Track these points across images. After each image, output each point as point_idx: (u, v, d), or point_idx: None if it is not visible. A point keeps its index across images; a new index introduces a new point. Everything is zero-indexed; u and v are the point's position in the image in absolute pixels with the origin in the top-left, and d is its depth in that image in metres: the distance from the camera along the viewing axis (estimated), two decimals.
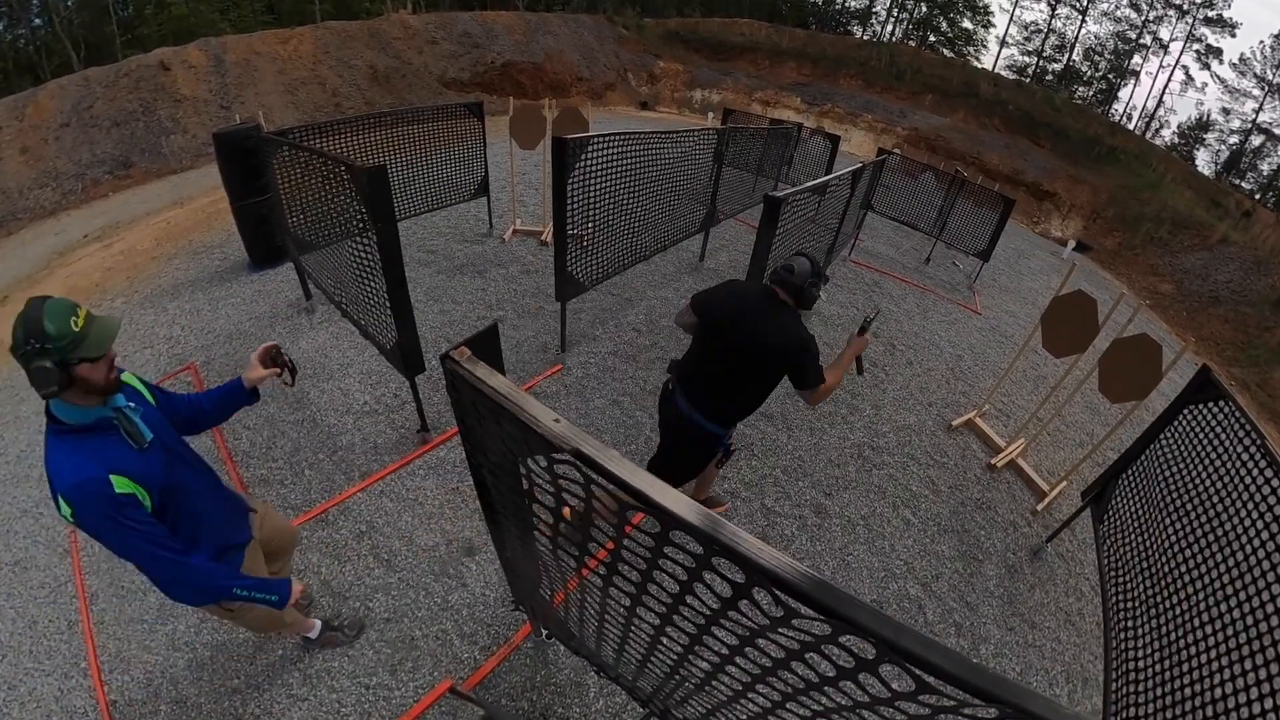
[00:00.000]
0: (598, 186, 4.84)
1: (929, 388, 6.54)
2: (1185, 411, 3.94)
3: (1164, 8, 31.67)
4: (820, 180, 3.96)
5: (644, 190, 5.51)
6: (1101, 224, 23.82)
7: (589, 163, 4.62)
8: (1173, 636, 3.19)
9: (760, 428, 5.16)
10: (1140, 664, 3.32)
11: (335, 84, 12.70)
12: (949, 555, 4.53)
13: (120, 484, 1.90)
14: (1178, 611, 3.24)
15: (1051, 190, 24.84)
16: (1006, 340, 9.01)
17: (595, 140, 4.61)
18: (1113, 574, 3.76)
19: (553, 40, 21.84)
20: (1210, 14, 30.75)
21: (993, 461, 5.55)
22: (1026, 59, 34.87)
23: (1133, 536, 3.76)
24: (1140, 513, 3.83)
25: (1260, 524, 3.19)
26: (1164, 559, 3.45)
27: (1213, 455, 3.56)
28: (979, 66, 32.34)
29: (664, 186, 5.92)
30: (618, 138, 4.93)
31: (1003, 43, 39.33)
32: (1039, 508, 5.19)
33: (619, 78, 25.63)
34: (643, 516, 1.56)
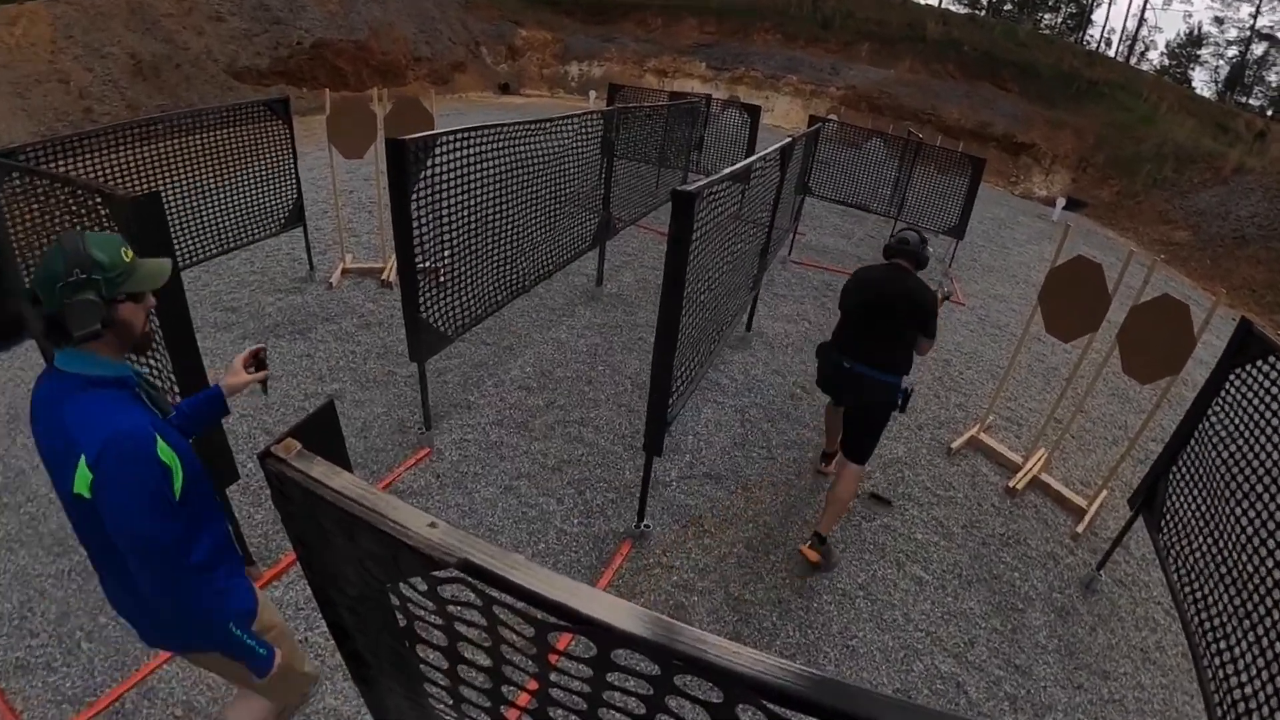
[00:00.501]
0: (452, 201, 4.88)
1: (915, 407, 7.11)
2: (1232, 377, 4.30)
3: None
4: (741, 164, 4.36)
5: (515, 201, 5.75)
6: (1093, 173, 26.49)
7: (438, 170, 4.65)
8: None
9: (709, 494, 5.44)
10: (1249, 689, 3.58)
11: (84, 81, 11.77)
12: (980, 612, 4.88)
13: (162, 450, 2.05)
14: None
15: (1028, 141, 27.54)
16: (1001, 332, 9.99)
17: (444, 139, 4.64)
18: (1188, 589, 3.99)
19: (379, 10, 21.34)
20: None
21: (1011, 484, 6.09)
22: None
23: (1202, 539, 4.02)
24: (1205, 508, 4.12)
25: None
26: (1246, 557, 3.65)
27: (1277, 421, 3.79)
28: (923, 2, 35.55)
29: (540, 194, 6.22)
30: (474, 134, 4.88)
31: None
32: (1080, 529, 5.72)
33: (470, 54, 26.28)
34: (570, 639, 1.43)
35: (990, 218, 19.30)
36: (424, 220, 4.68)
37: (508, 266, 5.88)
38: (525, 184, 5.93)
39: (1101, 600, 5.13)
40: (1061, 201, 21.88)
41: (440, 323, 5.13)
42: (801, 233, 12.75)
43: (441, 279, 5.14)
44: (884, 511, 5.57)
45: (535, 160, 5.97)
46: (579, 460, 5.48)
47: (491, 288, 5.70)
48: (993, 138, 26.29)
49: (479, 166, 5.12)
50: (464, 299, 5.34)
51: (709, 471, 5.62)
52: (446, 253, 5.05)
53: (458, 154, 4.86)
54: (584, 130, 6.85)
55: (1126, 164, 23.63)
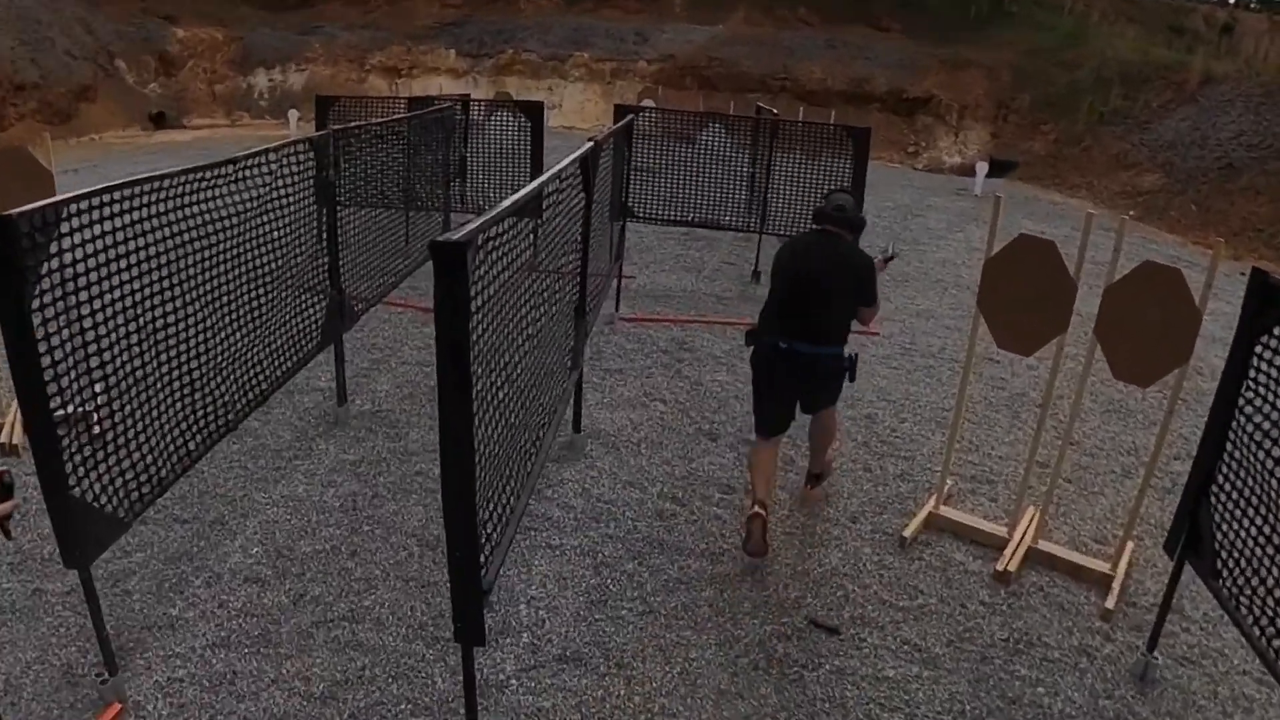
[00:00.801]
0: (100, 304, 4.81)
1: (841, 491, 7.44)
2: (1258, 350, 4.62)
3: None
4: (525, 191, 4.51)
5: (195, 292, 5.66)
6: (1017, 121, 28.74)
7: (71, 259, 4.67)
8: None
9: (569, 685, 5.40)
10: None
11: None
12: None
13: None
14: None
15: (922, 95, 29.67)
16: (936, 361, 10.84)
17: (78, 208, 4.61)
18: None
19: None
20: None
21: (1000, 566, 6.46)
22: None
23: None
24: (1275, 525, 4.41)
25: None
26: None
27: None
28: None
29: (231, 276, 6.16)
30: (121, 195, 4.99)
31: None
32: (1110, 604, 6.12)
33: (101, 73, 25.19)
34: None
35: (891, 207, 20.69)
36: (58, 341, 4.51)
37: (198, 394, 5.74)
38: (206, 264, 5.85)
39: (1167, 692, 5.44)
40: (983, 167, 23.68)
41: (106, 499, 4.89)
42: (630, 275, 13.19)
43: (98, 430, 4.94)
44: (829, 647, 5.73)
45: (217, 229, 5.92)
46: (360, 678, 5.32)
47: (179, 431, 5.53)
48: (874, 97, 28.15)
49: (134, 248, 5.01)
50: (139, 456, 5.15)
51: (562, 653, 5.58)
52: (100, 387, 4.87)
53: (99, 233, 4.72)
54: (287, 171, 6.85)
55: (1060, 101, 25.75)
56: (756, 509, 6.38)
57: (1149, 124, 22.43)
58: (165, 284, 5.38)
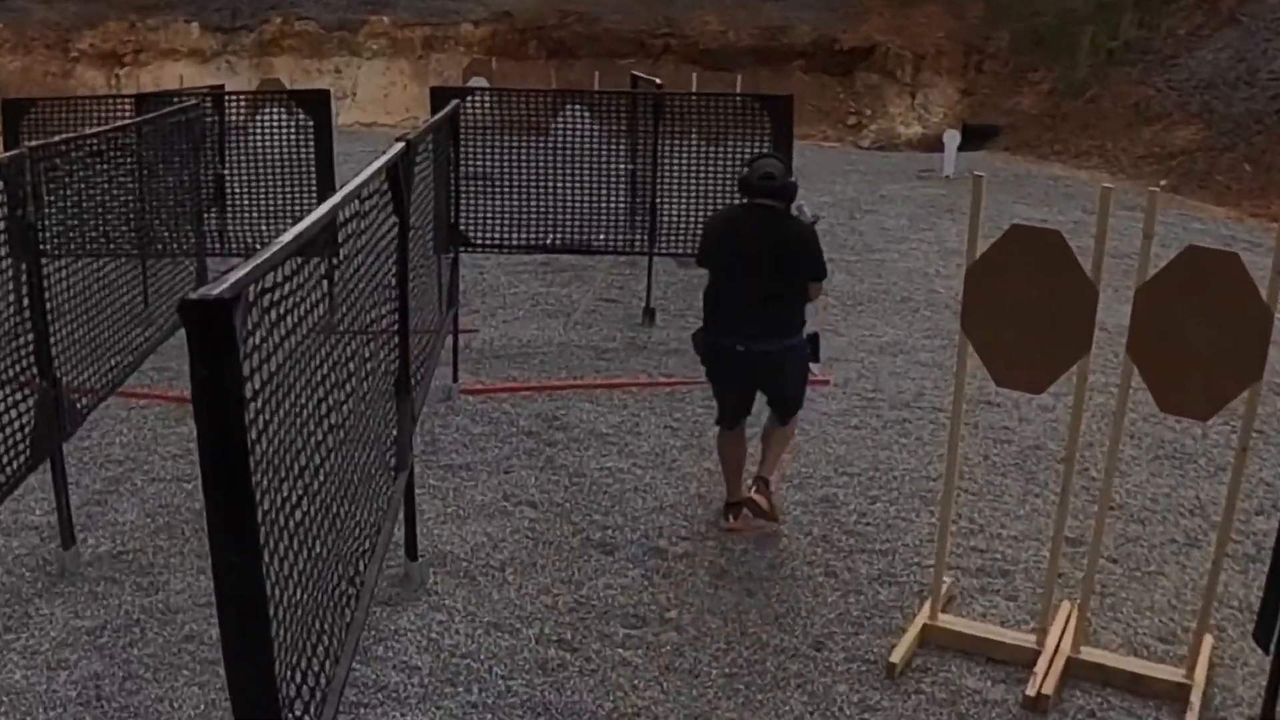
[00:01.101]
0: None
1: (797, 608, 7.43)
2: None
3: None
4: (313, 218, 4.44)
5: None
6: (995, 71, 29.20)
7: None
8: None
9: None
10: None
11: None
12: None
13: None
14: None
15: (862, 44, 30.10)
16: (912, 411, 11.01)
17: None
18: None
19: None
20: None
21: (1033, 690, 6.45)
22: None
23: None
24: None
25: None
26: None
27: None
28: None
29: None
30: None
31: None
32: (1191, 718, 6.18)
33: None
34: None
35: (829, 201, 20.91)
36: None
37: None
38: None
39: None
40: (953, 138, 23.94)
41: None
42: (470, 330, 13.14)
43: None
44: None
45: None
46: None
47: None
48: (795, 52, 28.47)
49: None
50: None
51: None
52: None
53: None
54: None
55: (1052, 37, 26.20)
56: (738, 524, 8.47)
57: (1176, 59, 22.92)
58: None
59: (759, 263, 7.77)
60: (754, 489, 8.44)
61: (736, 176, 12.48)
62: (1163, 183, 19.64)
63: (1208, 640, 6.68)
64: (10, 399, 7.31)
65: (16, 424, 7.34)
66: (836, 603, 7.51)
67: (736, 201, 8.70)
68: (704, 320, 8.48)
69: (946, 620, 7.09)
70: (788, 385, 8.50)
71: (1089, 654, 6.70)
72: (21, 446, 7.35)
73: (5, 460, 7.15)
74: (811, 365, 8.77)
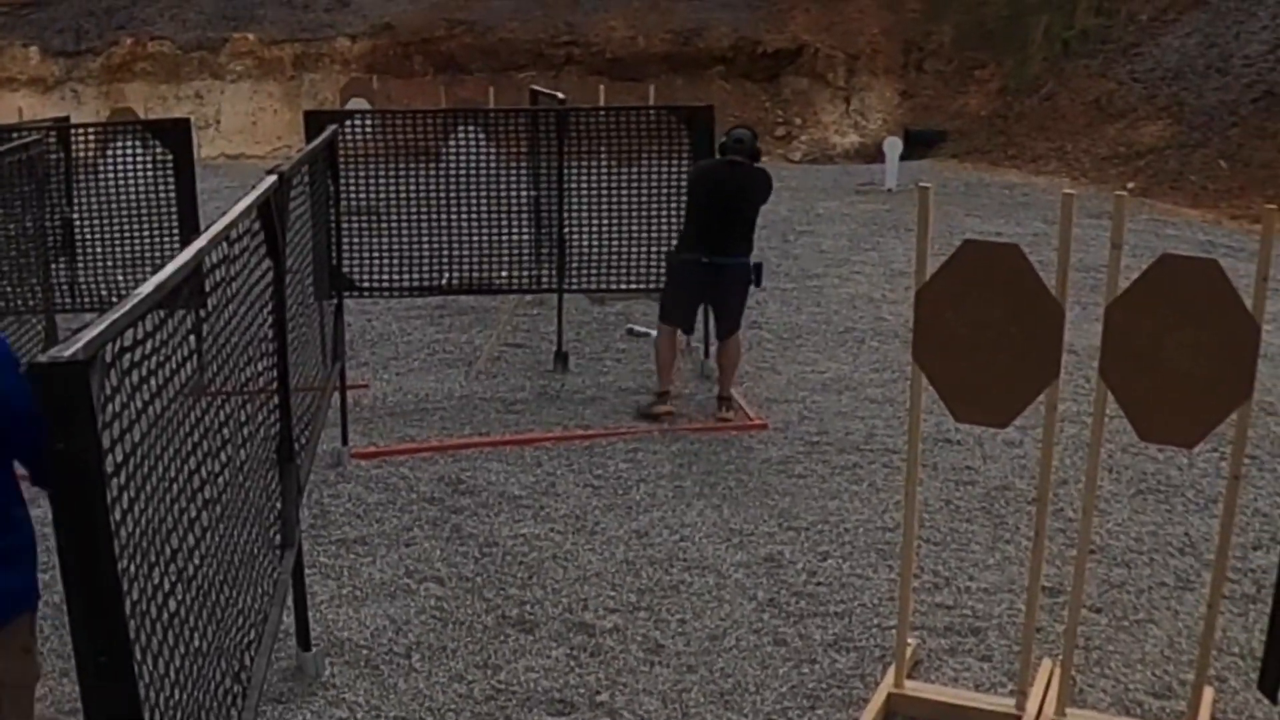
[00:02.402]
0: None
1: (745, 684, 7.42)
2: None
3: None
4: (176, 264, 4.42)
5: None
6: (937, 70, 29.39)
7: None
8: None
9: None
10: None
11: None
12: None
13: None
14: None
15: (788, 45, 30.27)
16: (862, 454, 11.01)
17: None
18: None
19: None
20: None
21: None
22: None
23: None
24: None
25: None
26: None
27: None
28: None
29: None
30: None
31: None
32: None
33: None
34: None
35: (760, 225, 20.84)
36: None
37: None
38: None
39: None
40: (894, 145, 24.15)
41: None
42: (359, 385, 13.07)
43: None
44: None
45: None
46: None
47: None
48: (714, 57, 28.63)
49: None
50: None
51: None
52: None
53: None
54: None
55: (1000, 30, 26.50)
56: (670, 407, 12.09)
57: (1139, 48, 23.19)
58: None
59: (735, 200, 11.91)
60: (721, 409, 12.09)
61: (644, 195, 12.95)
62: (1130, 185, 19.85)
63: (1208, 693, 6.70)
64: None
65: None
66: (788, 674, 7.48)
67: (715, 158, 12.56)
68: (678, 243, 12.60)
69: (914, 687, 7.08)
70: (732, 297, 12.15)
71: (1075, 716, 6.71)
72: None
73: None
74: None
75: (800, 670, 7.52)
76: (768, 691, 7.30)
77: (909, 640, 7.28)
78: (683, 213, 13.17)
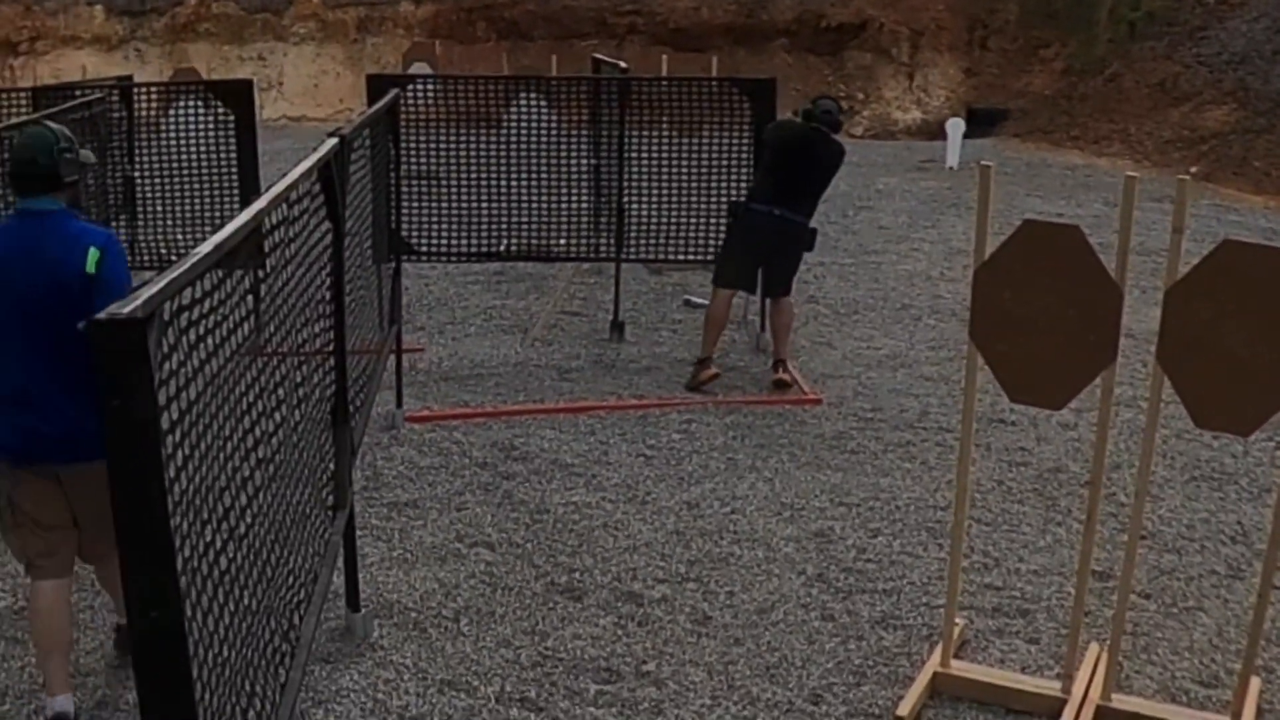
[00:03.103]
0: None
1: (791, 657, 7.41)
2: None
3: None
4: (236, 224, 4.42)
5: None
6: (1002, 48, 28.99)
7: None
8: None
9: None
10: None
11: None
12: None
13: None
14: None
15: (852, 20, 29.89)
16: (915, 432, 11.02)
17: None
18: None
19: None
20: None
21: None
22: None
23: None
24: None
25: None
26: None
27: None
28: None
29: None
30: None
31: None
32: None
33: None
34: None
35: (820, 200, 20.75)
36: None
37: None
38: None
39: None
40: (957, 125, 23.82)
41: None
42: (415, 348, 13.11)
43: None
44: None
45: None
46: None
47: None
48: (777, 30, 28.37)
49: None
50: None
51: None
52: None
53: None
54: None
55: (1066, 10, 26.08)
56: (715, 370, 12.30)
57: (1205, 31, 22.88)
58: None
59: (812, 160, 12.28)
60: (778, 371, 12.30)
61: (704, 166, 12.86)
62: (1193, 169, 19.68)
63: (1255, 683, 6.65)
64: None
65: None
66: (835, 650, 7.48)
67: (797, 120, 12.77)
68: (748, 195, 12.73)
69: (960, 667, 7.06)
70: (789, 256, 12.49)
71: (1121, 701, 6.68)
72: None
73: None
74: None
75: (847, 646, 7.51)
76: (813, 666, 7.30)
77: (956, 620, 7.25)
78: (743, 185, 13.15)
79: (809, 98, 13.27)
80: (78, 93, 12.73)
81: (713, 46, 26.77)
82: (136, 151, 13.03)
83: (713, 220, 13.24)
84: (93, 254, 6.49)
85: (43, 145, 6.72)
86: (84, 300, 6.29)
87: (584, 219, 13.60)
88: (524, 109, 13.79)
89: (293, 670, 5.41)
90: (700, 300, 14.56)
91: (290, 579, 5.63)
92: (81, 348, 4.07)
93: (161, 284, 3.52)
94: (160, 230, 12.95)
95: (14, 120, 11.52)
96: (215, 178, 12.80)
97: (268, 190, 5.13)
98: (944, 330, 13.74)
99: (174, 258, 7.82)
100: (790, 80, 26.00)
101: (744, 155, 12.96)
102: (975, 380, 6.62)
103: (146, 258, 12.67)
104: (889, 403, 11.55)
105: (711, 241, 13.26)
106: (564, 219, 13.48)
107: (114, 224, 12.00)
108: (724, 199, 13.17)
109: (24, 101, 13.66)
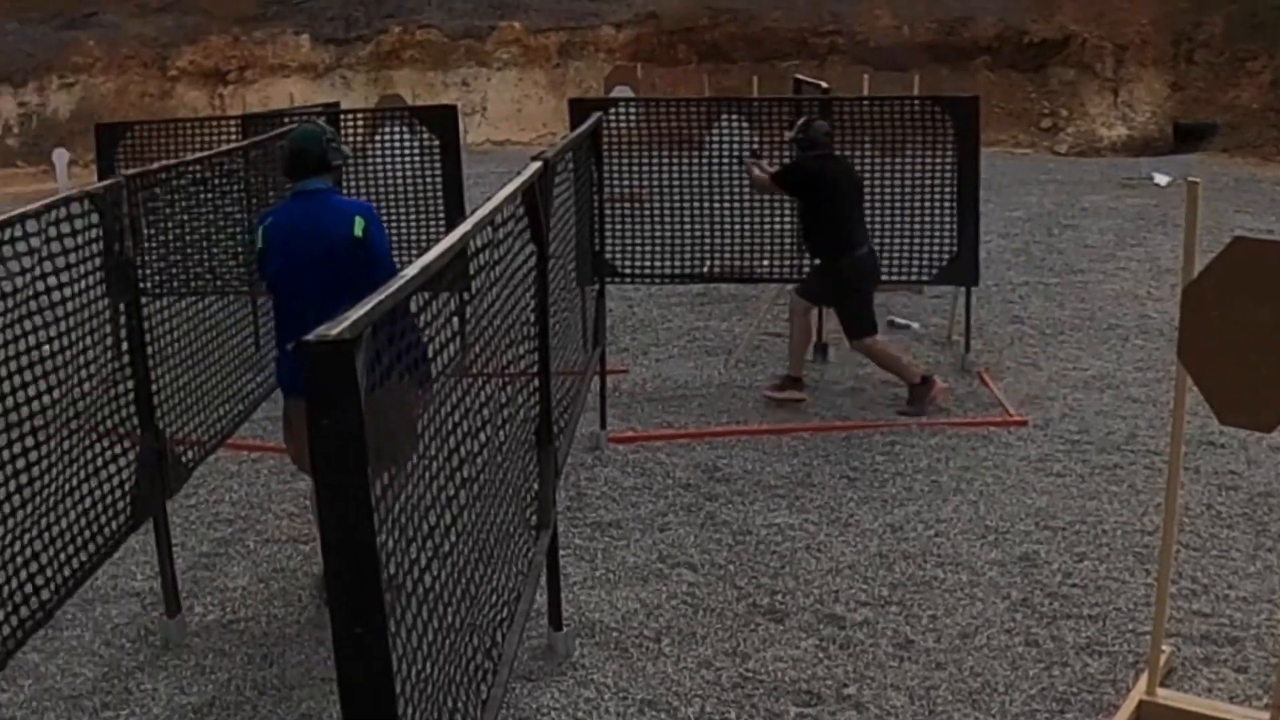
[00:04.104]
0: None
1: (994, 683, 7.32)
2: None
3: None
4: (442, 247, 4.47)
5: None
6: (1208, 61, 28.62)
7: None
8: None
9: None
10: None
11: None
12: None
13: None
14: None
15: (1055, 35, 29.58)
16: (1123, 455, 10.80)
17: None
18: None
19: None
20: None
21: None
22: None
23: None
24: None
25: None
26: None
27: None
28: None
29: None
30: None
31: None
32: None
33: None
34: None
35: (1021, 217, 20.58)
36: None
37: None
38: None
39: None
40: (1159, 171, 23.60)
41: None
42: (619, 370, 13.32)
43: None
44: None
45: None
46: None
47: None
48: (979, 47, 28.15)
49: None
50: None
51: None
52: None
53: None
54: (55, 248, 6.86)
55: (1272, 22, 25.48)
56: (804, 395, 12.32)
57: None
58: None
59: (852, 188, 12.15)
60: (783, 390, 12.40)
61: (908, 187, 12.74)
62: None
63: None
64: (109, 453, 7.44)
65: (115, 480, 7.46)
66: (1039, 676, 7.38)
67: (803, 153, 12.32)
68: (831, 248, 12.13)
69: (1166, 696, 6.91)
70: (866, 289, 12.30)
71: None
72: (121, 505, 7.48)
73: (104, 520, 7.27)
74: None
75: (1051, 672, 7.40)
76: (1016, 693, 7.20)
77: (1164, 647, 7.11)
78: (947, 206, 13.02)
79: (798, 126, 12.58)
80: (286, 119, 13.03)
81: (914, 65, 26.58)
82: (343, 177, 13.27)
83: (916, 240, 13.13)
84: (359, 222, 8.03)
85: (314, 137, 8.42)
86: (349, 260, 7.75)
87: (787, 240, 13.56)
88: (726, 131, 13.79)
89: (494, 687, 5.46)
90: (904, 321, 14.47)
91: (493, 597, 5.69)
92: (345, 304, 4.27)
93: (368, 306, 3.58)
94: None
95: (224, 146, 11.81)
96: (420, 201, 13.00)
97: (473, 213, 5.19)
98: (1152, 351, 13.49)
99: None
100: (993, 98, 25.77)
101: (948, 174, 12.83)
102: (1184, 402, 6.50)
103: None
104: (1096, 425, 11.37)
105: (915, 262, 13.16)
106: (766, 240, 13.46)
107: None
108: (928, 219, 13.05)
109: (234, 128, 14.02)
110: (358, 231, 8.08)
